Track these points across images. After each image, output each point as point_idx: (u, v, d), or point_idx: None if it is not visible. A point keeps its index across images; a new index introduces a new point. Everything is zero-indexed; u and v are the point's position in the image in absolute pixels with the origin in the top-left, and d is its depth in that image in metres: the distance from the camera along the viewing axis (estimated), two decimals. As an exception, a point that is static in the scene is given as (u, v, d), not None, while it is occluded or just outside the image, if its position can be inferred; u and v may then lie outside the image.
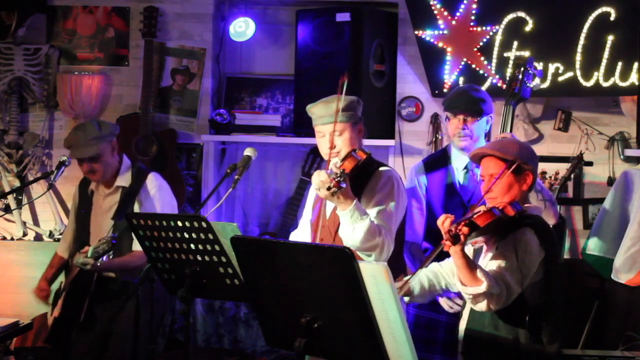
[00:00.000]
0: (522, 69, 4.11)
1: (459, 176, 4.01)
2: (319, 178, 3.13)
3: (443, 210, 3.92)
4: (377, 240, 3.21)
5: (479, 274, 2.89)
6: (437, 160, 4.10)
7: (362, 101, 3.54)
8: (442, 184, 4.01)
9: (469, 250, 3.13)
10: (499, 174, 3.06)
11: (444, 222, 2.89)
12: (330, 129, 3.32)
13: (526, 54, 4.87)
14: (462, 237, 2.83)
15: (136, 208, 4.09)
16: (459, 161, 4.00)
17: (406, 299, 3.18)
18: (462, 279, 2.94)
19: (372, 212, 3.31)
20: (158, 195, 4.16)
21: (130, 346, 3.93)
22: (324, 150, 3.43)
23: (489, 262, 3.04)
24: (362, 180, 3.39)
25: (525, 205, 3.13)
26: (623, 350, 4.00)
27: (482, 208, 3.00)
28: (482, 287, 2.88)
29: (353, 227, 3.19)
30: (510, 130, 4.06)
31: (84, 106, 5.33)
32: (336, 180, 3.05)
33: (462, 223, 2.84)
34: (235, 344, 5.08)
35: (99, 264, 3.81)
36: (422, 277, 3.23)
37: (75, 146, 4.09)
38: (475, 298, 2.93)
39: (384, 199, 3.35)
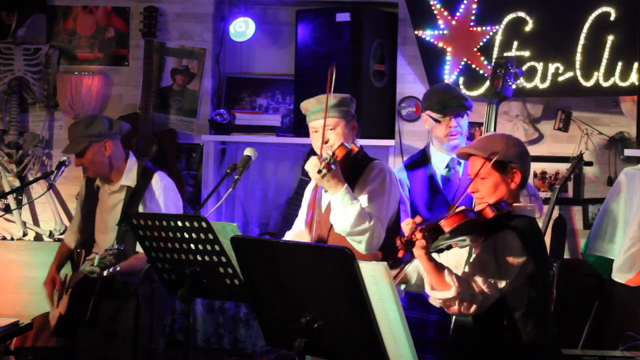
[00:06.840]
0: (504, 68, 4.16)
1: (441, 175, 4.02)
2: (310, 162, 3.23)
3: (427, 210, 3.94)
4: (367, 224, 3.24)
5: (447, 278, 2.81)
6: (418, 161, 4.12)
7: (355, 100, 3.57)
8: (424, 184, 4.03)
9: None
10: (477, 171, 2.97)
11: (405, 227, 2.85)
12: (322, 124, 3.36)
13: (526, 54, 4.88)
14: (421, 243, 2.76)
15: (141, 209, 4.08)
16: (440, 160, 4.02)
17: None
18: (431, 283, 2.88)
19: (364, 201, 3.34)
20: (163, 196, 4.14)
21: (131, 346, 3.93)
22: (316, 145, 3.44)
23: (467, 265, 2.97)
24: (355, 172, 3.43)
25: (515, 204, 2.99)
26: (623, 350, 4.01)
27: (461, 208, 2.87)
28: (451, 292, 2.81)
29: (344, 211, 3.23)
30: (494, 129, 4.12)
31: (84, 106, 5.33)
32: (326, 162, 3.16)
33: (419, 230, 2.77)
34: (235, 344, 5.08)
35: (105, 274, 3.85)
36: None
37: (69, 141, 4.16)
38: (444, 303, 2.87)
39: (376, 189, 3.39)
